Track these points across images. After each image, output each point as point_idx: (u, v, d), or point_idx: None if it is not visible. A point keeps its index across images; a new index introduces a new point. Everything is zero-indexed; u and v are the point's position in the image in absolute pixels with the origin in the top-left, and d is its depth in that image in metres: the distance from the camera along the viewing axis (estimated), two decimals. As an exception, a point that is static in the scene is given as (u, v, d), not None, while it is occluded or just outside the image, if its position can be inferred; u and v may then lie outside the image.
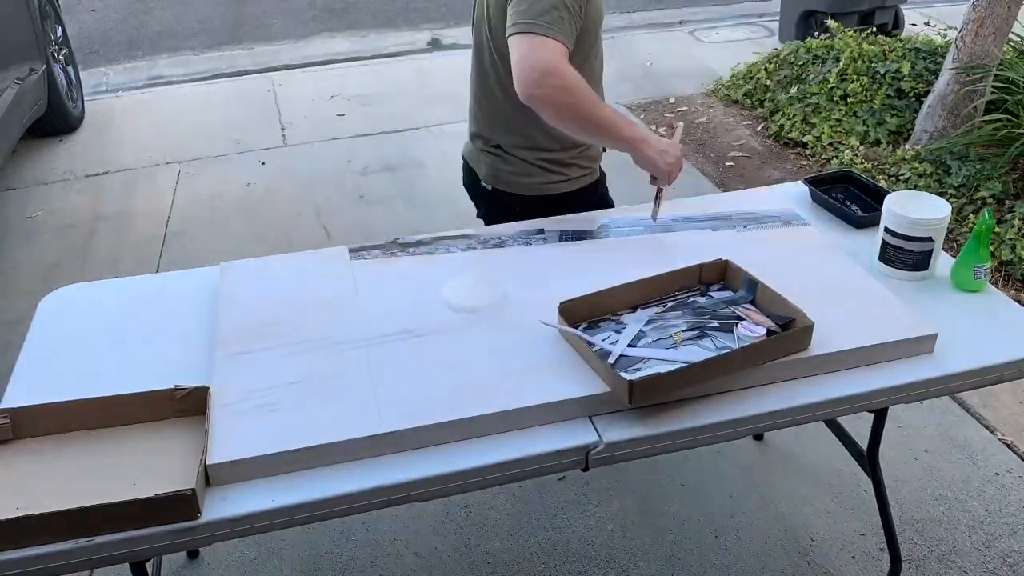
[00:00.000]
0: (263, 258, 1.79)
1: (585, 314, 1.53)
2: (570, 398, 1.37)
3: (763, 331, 1.48)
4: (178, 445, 1.34)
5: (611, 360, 1.43)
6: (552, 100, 1.60)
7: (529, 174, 1.90)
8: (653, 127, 4.47)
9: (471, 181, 2.03)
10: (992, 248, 3.17)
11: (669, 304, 1.59)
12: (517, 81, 1.60)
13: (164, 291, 1.74)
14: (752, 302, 1.57)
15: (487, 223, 2.01)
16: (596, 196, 2.03)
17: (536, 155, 1.87)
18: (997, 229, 3.21)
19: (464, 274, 1.70)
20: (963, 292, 1.68)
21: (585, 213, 1.92)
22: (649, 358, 1.44)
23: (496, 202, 1.98)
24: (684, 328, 1.52)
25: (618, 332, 1.51)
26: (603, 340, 1.49)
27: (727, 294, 1.61)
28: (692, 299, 1.60)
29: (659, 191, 1.84)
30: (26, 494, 1.25)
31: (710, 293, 1.62)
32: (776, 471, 2.34)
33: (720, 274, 1.64)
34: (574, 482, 2.30)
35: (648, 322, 1.53)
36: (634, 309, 1.57)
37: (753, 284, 1.57)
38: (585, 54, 1.77)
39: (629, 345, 1.47)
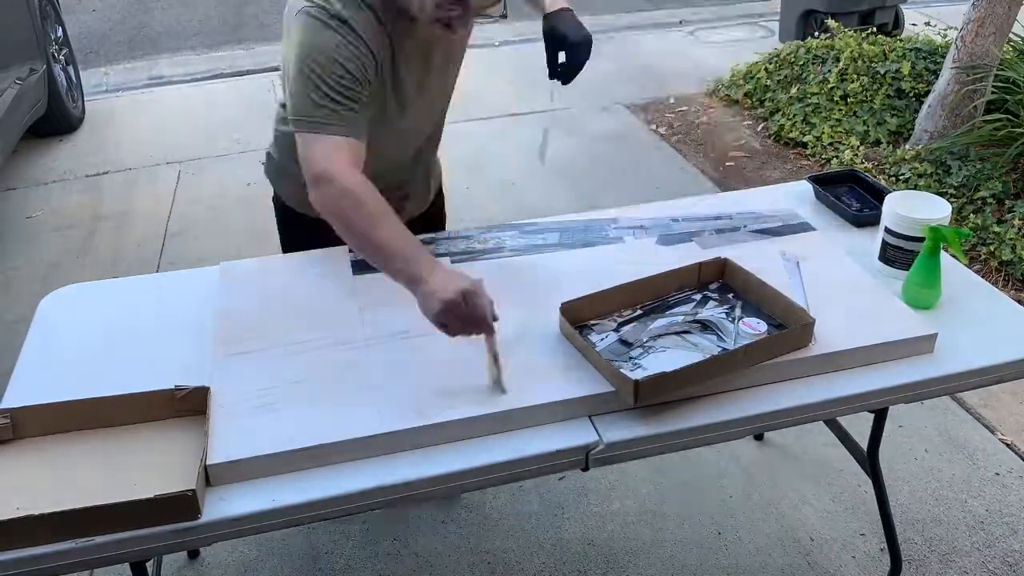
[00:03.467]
0: (263, 258, 1.79)
1: (585, 314, 1.53)
2: (570, 398, 1.37)
3: (764, 328, 1.48)
4: (178, 445, 1.33)
5: (632, 369, 1.43)
6: (327, 209, 1.41)
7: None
8: (653, 127, 4.47)
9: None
10: (992, 248, 3.17)
11: (669, 304, 1.59)
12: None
13: (164, 291, 1.74)
14: (752, 301, 1.57)
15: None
16: None
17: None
18: (997, 229, 3.21)
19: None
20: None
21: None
22: (652, 350, 1.45)
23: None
24: (684, 327, 1.52)
25: (617, 331, 1.51)
26: (602, 340, 1.49)
27: (727, 292, 1.61)
28: (692, 298, 1.60)
29: (489, 349, 1.38)
30: (26, 494, 1.25)
31: (709, 292, 1.61)
32: (776, 471, 2.34)
33: (720, 273, 1.64)
34: (574, 482, 2.30)
35: (648, 322, 1.53)
36: (634, 309, 1.57)
37: (753, 283, 1.57)
38: (384, 131, 1.58)
39: (624, 343, 1.47)
